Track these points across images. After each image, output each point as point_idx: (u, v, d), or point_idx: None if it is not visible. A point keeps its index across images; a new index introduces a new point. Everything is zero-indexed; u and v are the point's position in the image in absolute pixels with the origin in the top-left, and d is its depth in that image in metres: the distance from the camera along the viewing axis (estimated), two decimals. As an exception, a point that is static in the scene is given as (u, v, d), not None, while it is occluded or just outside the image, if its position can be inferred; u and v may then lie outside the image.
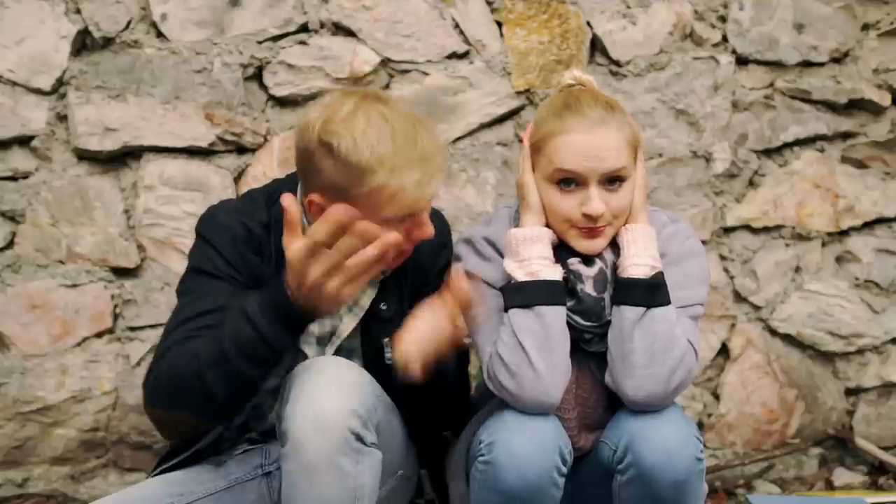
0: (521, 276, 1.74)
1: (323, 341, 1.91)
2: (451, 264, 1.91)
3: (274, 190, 1.92)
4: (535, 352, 1.70)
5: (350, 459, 1.62)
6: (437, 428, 2.04)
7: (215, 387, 1.62)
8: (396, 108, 1.75)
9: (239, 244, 1.83)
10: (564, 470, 1.69)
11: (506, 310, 1.75)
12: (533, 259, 1.75)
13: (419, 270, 1.94)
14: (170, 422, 1.77)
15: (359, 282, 1.51)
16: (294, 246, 1.50)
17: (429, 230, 1.78)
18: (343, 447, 1.61)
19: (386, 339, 1.86)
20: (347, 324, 1.90)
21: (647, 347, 1.71)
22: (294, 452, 1.62)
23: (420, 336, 1.64)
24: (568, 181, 1.76)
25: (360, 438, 1.63)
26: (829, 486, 2.71)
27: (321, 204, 1.73)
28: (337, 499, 1.63)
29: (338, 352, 1.92)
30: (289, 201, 1.52)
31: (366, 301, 1.91)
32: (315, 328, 1.89)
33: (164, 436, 1.85)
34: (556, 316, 1.73)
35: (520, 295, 1.73)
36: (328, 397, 1.61)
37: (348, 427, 1.61)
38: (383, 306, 1.90)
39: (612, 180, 1.76)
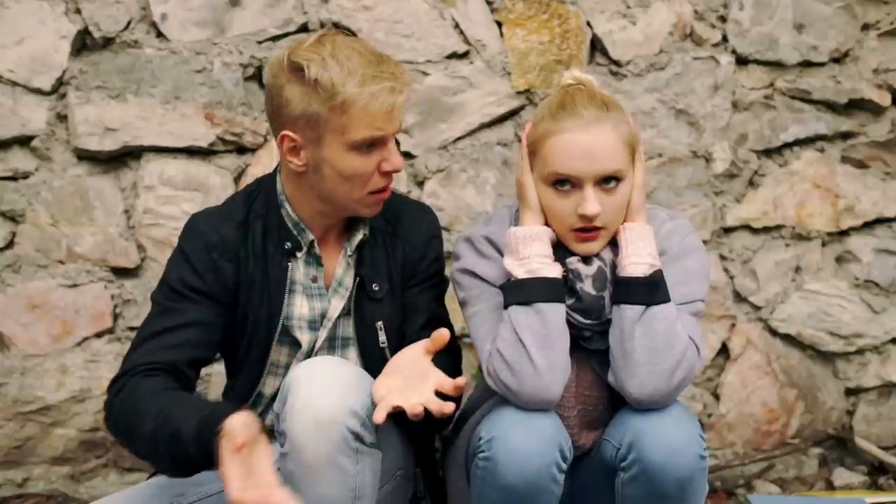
0: (521, 273, 1.75)
1: (315, 325, 1.93)
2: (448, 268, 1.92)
3: (255, 187, 1.98)
4: (534, 348, 1.70)
5: (350, 459, 1.63)
6: (429, 432, 2.04)
7: (147, 455, 1.75)
8: (359, 39, 1.85)
9: (213, 252, 1.87)
10: (564, 466, 1.70)
11: (506, 307, 1.75)
12: (533, 257, 1.75)
13: (409, 259, 1.97)
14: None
15: None
16: (234, 484, 1.51)
17: (398, 159, 1.83)
18: (343, 447, 1.61)
19: (379, 323, 1.90)
20: (335, 305, 1.92)
21: (648, 345, 1.71)
22: (294, 453, 1.62)
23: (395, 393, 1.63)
24: (563, 182, 1.76)
25: (359, 438, 1.63)
26: (829, 486, 2.71)
27: (294, 139, 1.79)
28: (337, 498, 1.64)
29: (332, 341, 1.94)
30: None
31: (348, 281, 1.93)
32: (305, 312, 1.92)
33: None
34: (555, 313, 1.73)
35: (520, 292, 1.74)
36: (327, 398, 1.62)
37: (347, 427, 1.61)
38: (375, 287, 1.92)
39: (608, 180, 1.76)
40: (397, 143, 2.57)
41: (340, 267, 1.93)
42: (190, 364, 1.82)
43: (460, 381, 1.63)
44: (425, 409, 1.60)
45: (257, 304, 1.88)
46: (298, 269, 1.91)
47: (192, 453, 1.60)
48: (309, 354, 1.92)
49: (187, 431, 1.60)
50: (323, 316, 1.92)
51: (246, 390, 1.93)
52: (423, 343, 1.70)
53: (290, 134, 1.79)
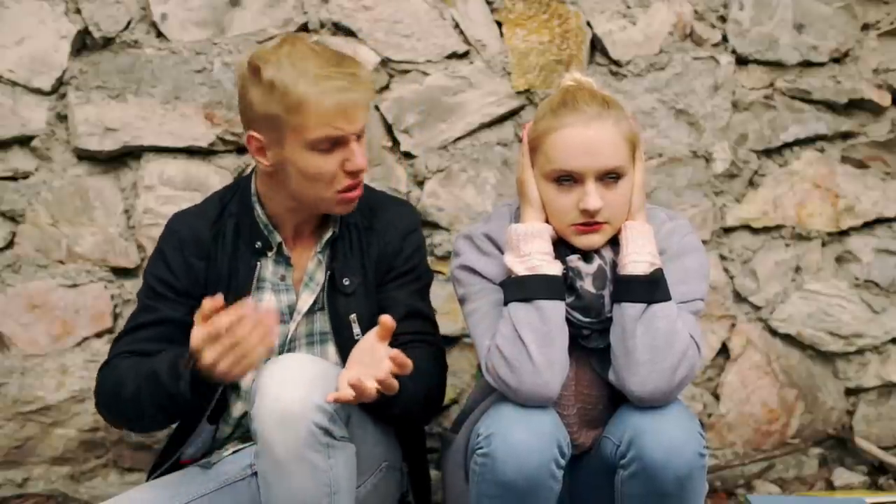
0: (521, 270, 1.75)
1: (284, 318, 1.96)
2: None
3: (233, 186, 2.04)
4: (534, 345, 1.71)
5: (320, 454, 1.64)
6: (410, 424, 2.05)
7: (135, 416, 1.86)
8: (323, 42, 1.88)
9: (185, 249, 1.95)
10: (563, 462, 1.70)
11: (505, 303, 1.76)
12: (533, 254, 1.76)
13: (385, 254, 1.99)
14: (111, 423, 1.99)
15: (244, 363, 1.64)
16: (195, 332, 1.66)
17: (360, 159, 1.83)
18: (311, 442, 1.62)
19: (352, 316, 1.93)
20: (305, 299, 1.96)
21: (649, 343, 1.72)
22: (264, 450, 1.65)
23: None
24: (566, 178, 1.77)
25: (328, 433, 1.64)
26: (829, 486, 2.71)
27: (259, 139, 1.83)
28: (311, 494, 1.65)
29: (311, 337, 1.97)
30: (205, 303, 1.67)
31: (320, 276, 1.96)
32: (273, 305, 1.95)
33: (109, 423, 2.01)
34: (555, 310, 1.74)
35: (520, 289, 1.74)
36: (293, 393, 1.64)
37: (314, 422, 1.63)
38: (346, 281, 1.95)
39: (610, 175, 1.77)
40: (398, 144, 2.57)
41: (312, 262, 1.97)
42: None
43: (393, 352, 1.67)
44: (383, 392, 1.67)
45: (223, 299, 1.92)
46: (268, 268, 1.96)
47: (170, 388, 1.72)
48: (283, 348, 1.96)
49: (161, 369, 1.74)
50: (291, 309, 1.96)
51: None
52: (374, 330, 1.74)
53: (255, 135, 1.84)
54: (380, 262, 1.98)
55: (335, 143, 1.81)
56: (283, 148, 1.82)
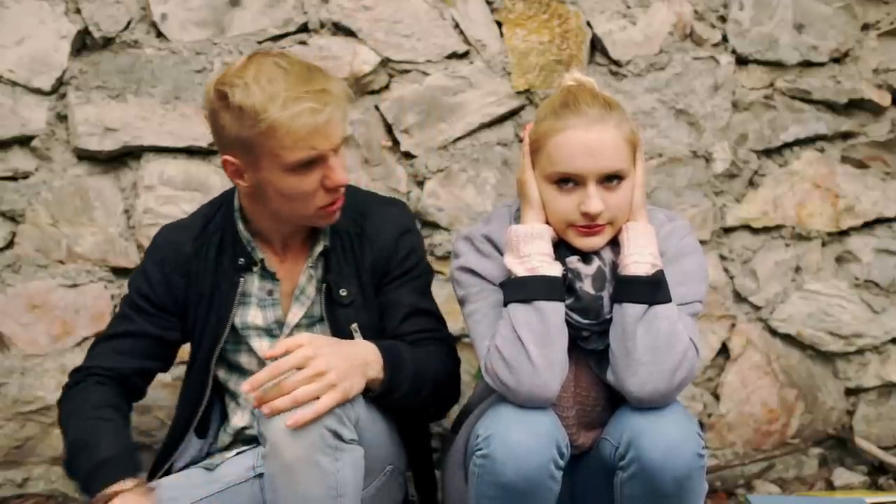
0: (521, 271, 1.75)
1: (272, 332, 1.96)
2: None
3: (220, 200, 2.03)
4: (533, 346, 1.70)
5: (329, 457, 1.63)
6: (420, 416, 2.04)
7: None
8: (290, 57, 1.82)
9: (166, 266, 1.96)
10: (562, 463, 1.70)
11: (505, 304, 1.76)
12: (533, 255, 1.76)
13: (379, 259, 1.97)
14: None
15: None
16: None
17: (340, 174, 1.81)
18: (320, 445, 1.62)
19: (354, 325, 1.92)
20: (295, 312, 1.96)
21: (649, 344, 1.72)
22: (272, 454, 1.64)
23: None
24: (567, 180, 1.77)
25: (337, 436, 1.64)
26: (829, 486, 2.71)
27: (235, 163, 1.81)
28: (318, 497, 1.64)
29: None
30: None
31: (311, 290, 1.96)
32: (259, 322, 1.96)
33: None
34: (554, 311, 1.73)
35: (520, 290, 1.74)
36: None
37: (325, 425, 1.62)
38: (343, 292, 1.94)
39: (611, 178, 1.77)
40: (398, 144, 2.57)
41: (304, 276, 1.96)
42: (139, 373, 1.96)
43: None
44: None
45: (204, 315, 1.95)
46: (253, 283, 1.96)
47: (79, 486, 1.83)
48: None
49: (80, 470, 1.81)
50: (280, 323, 1.96)
51: (195, 393, 1.99)
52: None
53: (230, 158, 1.81)
54: (375, 267, 1.96)
55: (313, 162, 1.78)
56: (259, 171, 1.80)
